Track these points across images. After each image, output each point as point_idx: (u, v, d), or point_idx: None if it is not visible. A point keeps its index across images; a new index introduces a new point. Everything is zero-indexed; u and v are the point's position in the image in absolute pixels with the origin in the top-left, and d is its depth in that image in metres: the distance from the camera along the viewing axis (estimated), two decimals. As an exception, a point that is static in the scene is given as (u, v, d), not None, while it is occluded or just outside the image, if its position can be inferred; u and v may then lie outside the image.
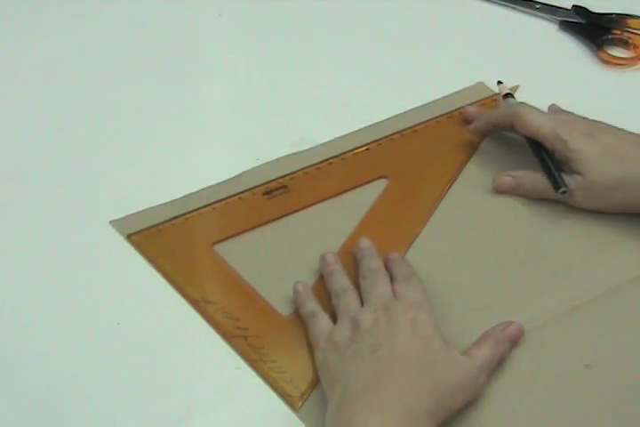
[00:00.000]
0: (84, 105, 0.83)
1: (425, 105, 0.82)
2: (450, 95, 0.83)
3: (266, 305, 0.67)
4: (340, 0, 0.94)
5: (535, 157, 0.74)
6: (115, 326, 0.66)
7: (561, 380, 0.62)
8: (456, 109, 0.81)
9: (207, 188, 0.75)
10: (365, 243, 0.69)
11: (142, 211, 0.73)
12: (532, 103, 0.75)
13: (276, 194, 0.75)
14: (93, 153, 0.79)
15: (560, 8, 0.92)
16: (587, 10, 0.91)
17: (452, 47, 0.89)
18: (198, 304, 0.67)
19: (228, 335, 0.66)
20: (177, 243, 0.71)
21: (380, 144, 0.79)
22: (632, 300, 0.67)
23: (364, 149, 0.78)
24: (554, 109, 0.77)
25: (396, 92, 0.84)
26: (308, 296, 0.66)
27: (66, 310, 0.67)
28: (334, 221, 0.73)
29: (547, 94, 0.79)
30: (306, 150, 0.78)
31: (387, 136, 0.79)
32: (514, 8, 0.93)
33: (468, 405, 0.60)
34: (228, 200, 0.74)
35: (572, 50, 0.89)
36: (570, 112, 0.76)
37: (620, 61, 0.87)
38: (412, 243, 0.71)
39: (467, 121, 0.80)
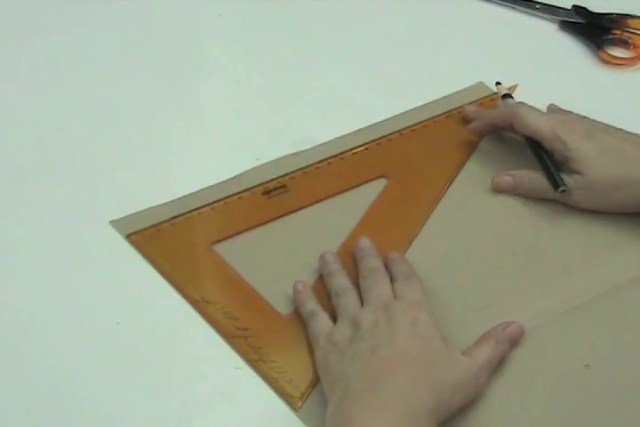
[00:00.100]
0: (84, 105, 0.83)
1: (424, 105, 0.82)
2: (449, 95, 0.83)
3: (266, 305, 0.67)
4: (340, 0, 0.94)
5: (534, 156, 0.74)
6: (114, 326, 0.66)
7: (561, 380, 0.62)
8: (455, 109, 0.81)
9: (207, 188, 0.75)
10: (365, 242, 0.69)
11: (142, 211, 0.73)
12: (531, 103, 0.75)
13: (275, 194, 0.75)
14: (93, 153, 0.79)
15: (560, 8, 0.92)
16: (587, 10, 0.91)
17: (452, 47, 0.89)
18: (198, 304, 0.67)
19: (227, 335, 0.66)
20: (177, 243, 0.71)
21: (379, 144, 0.79)
22: (632, 300, 0.67)
23: (363, 148, 0.79)
24: (553, 109, 0.77)
25: (396, 92, 0.84)
26: (307, 296, 0.66)
27: (66, 309, 0.68)
28: (333, 221, 0.73)
29: (546, 94, 0.79)
30: (305, 150, 0.78)
31: (386, 136, 0.79)
32: (514, 8, 0.93)
33: (469, 404, 0.60)
34: (227, 200, 0.74)
35: (571, 50, 0.89)
36: (569, 112, 0.76)
37: (619, 61, 0.87)
38: (411, 242, 0.71)
39: (466, 120, 0.80)
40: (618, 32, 0.89)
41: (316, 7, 0.93)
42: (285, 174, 0.76)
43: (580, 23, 0.90)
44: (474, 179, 0.76)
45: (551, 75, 0.85)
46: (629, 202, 0.70)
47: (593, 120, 0.73)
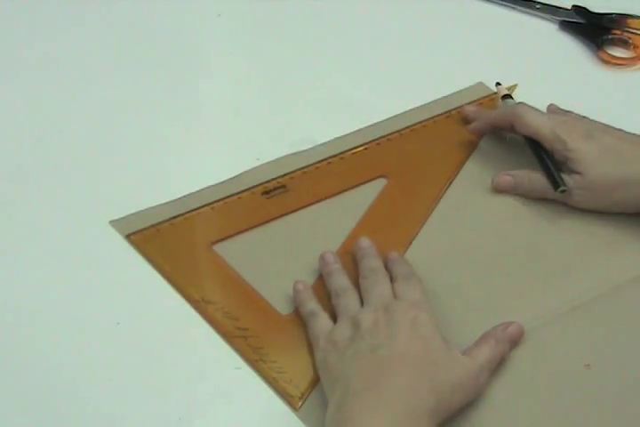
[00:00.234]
0: (84, 105, 0.83)
1: (424, 105, 0.82)
2: (449, 95, 0.83)
3: (265, 305, 0.67)
4: (340, 0, 0.94)
5: (534, 156, 0.74)
6: (114, 326, 0.66)
7: (561, 380, 0.62)
8: (455, 109, 0.81)
9: (207, 188, 0.75)
10: (365, 242, 0.69)
11: (142, 211, 0.73)
12: (531, 103, 0.75)
13: (274, 194, 0.75)
14: (93, 153, 0.79)
15: (560, 8, 0.92)
16: (587, 10, 0.91)
17: (452, 47, 0.89)
18: (198, 304, 0.67)
19: (227, 335, 0.66)
20: (176, 243, 0.71)
21: (378, 144, 0.79)
22: (632, 300, 0.67)
23: (362, 148, 0.79)
24: (552, 109, 0.77)
25: (396, 92, 0.84)
26: (308, 295, 0.66)
27: (66, 309, 0.67)
28: (333, 221, 0.73)
29: (547, 94, 0.79)
30: (305, 150, 0.78)
31: (385, 136, 0.79)
32: (514, 8, 0.93)
33: (469, 404, 0.60)
34: (227, 200, 0.74)
35: (571, 50, 0.89)
36: (569, 111, 0.76)
37: (619, 61, 0.87)
38: (411, 242, 0.71)
39: (465, 120, 0.80)
40: (618, 32, 0.89)
41: (316, 7, 0.93)
42: (285, 174, 0.76)
43: (580, 23, 0.90)
44: (474, 179, 0.76)
45: (551, 75, 0.85)
46: (629, 202, 0.70)
47: (593, 120, 0.73)
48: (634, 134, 0.72)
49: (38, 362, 0.65)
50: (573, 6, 0.91)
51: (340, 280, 0.67)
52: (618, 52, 0.88)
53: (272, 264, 0.70)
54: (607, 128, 0.72)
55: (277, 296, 0.68)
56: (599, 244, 0.71)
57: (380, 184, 0.76)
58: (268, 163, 0.77)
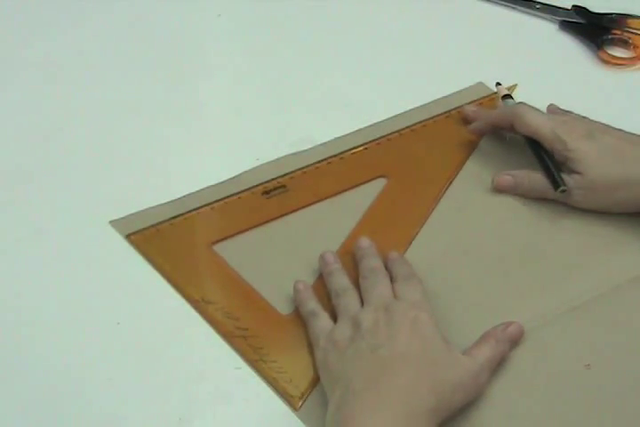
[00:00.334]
0: (84, 105, 0.83)
1: (424, 105, 0.82)
2: (449, 95, 0.83)
3: (266, 304, 0.67)
4: (340, 0, 0.94)
5: (534, 156, 0.74)
6: (115, 326, 0.66)
7: (561, 380, 0.62)
8: (454, 109, 0.81)
9: (207, 188, 0.75)
10: (365, 242, 0.69)
11: (142, 211, 0.73)
12: (532, 103, 0.75)
13: (274, 193, 0.75)
14: (93, 153, 0.79)
15: (560, 8, 0.92)
16: (587, 10, 0.91)
17: (452, 47, 0.89)
18: (198, 304, 0.67)
19: (228, 335, 0.66)
20: (176, 243, 0.71)
21: (378, 144, 0.79)
22: (632, 300, 0.67)
23: (362, 148, 0.79)
24: (552, 109, 0.77)
25: (396, 92, 0.84)
26: (308, 295, 0.66)
27: (66, 309, 0.68)
28: (333, 221, 0.73)
29: (547, 94, 0.79)
30: (305, 150, 0.78)
31: (385, 136, 0.79)
32: (514, 8, 0.93)
33: (469, 404, 0.60)
34: (226, 200, 0.74)
35: (571, 50, 0.89)
36: (569, 111, 0.76)
37: (619, 61, 0.87)
38: (411, 242, 0.71)
39: (465, 120, 0.80)
40: (618, 32, 0.89)
41: (316, 7, 0.93)
42: (285, 174, 0.76)
43: (580, 23, 0.90)
44: (474, 179, 0.76)
45: (551, 75, 0.85)
46: (629, 202, 0.70)
47: (592, 120, 0.73)
48: (634, 134, 0.72)
49: (38, 362, 0.65)
50: (573, 6, 0.91)
51: (341, 280, 0.67)
52: (618, 52, 0.88)
53: (272, 264, 0.70)
54: (607, 128, 0.72)
55: (277, 296, 0.68)
56: (599, 244, 0.71)
57: (379, 184, 0.76)
58: (267, 163, 0.77)
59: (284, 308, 0.67)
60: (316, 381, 0.63)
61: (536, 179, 0.72)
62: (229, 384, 0.64)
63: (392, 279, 0.66)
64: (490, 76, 0.83)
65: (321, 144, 0.79)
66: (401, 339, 0.60)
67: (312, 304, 0.65)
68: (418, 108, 0.82)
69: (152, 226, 0.72)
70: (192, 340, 0.66)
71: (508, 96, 0.80)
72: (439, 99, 0.83)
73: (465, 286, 0.68)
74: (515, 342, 0.63)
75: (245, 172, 0.76)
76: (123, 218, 0.73)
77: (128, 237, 0.72)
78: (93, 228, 0.73)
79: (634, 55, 0.87)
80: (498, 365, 0.62)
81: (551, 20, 0.92)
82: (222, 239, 0.72)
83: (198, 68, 0.87)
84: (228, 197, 0.75)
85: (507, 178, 0.74)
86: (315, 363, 0.63)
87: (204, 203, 0.74)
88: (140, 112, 0.82)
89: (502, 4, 0.93)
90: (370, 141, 0.79)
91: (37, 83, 0.86)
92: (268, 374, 0.64)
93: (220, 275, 0.70)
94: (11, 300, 0.68)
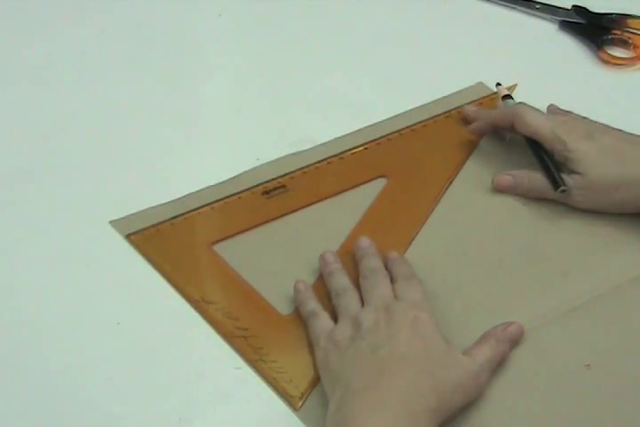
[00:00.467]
0: (84, 105, 0.83)
1: (424, 105, 0.82)
2: (449, 95, 0.83)
3: (266, 304, 0.67)
4: (340, 0, 0.94)
5: (534, 156, 0.74)
6: (115, 326, 0.66)
7: (561, 380, 0.62)
8: (454, 109, 0.81)
9: (207, 188, 0.75)
10: (365, 241, 0.69)
11: (142, 211, 0.73)
12: (531, 103, 0.75)
13: (274, 193, 0.75)
14: (94, 153, 0.79)
15: (560, 8, 0.92)
16: (587, 10, 0.91)
17: (452, 47, 0.89)
18: (198, 304, 0.67)
19: (228, 335, 0.66)
20: (176, 243, 0.71)
21: (378, 144, 0.79)
22: (632, 300, 0.67)
23: (362, 148, 0.79)
24: (552, 110, 0.77)
25: (396, 93, 0.84)
26: (308, 295, 0.66)
27: (66, 309, 0.68)
28: (333, 221, 0.73)
29: (547, 94, 0.79)
30: (305, 150, 0.78)
31: (385, 136, 0.79)
32: (514, 8, 0.93)
33: (469, 404, 0.60)
34: (227, 200, 0.74)
35: (571, 50, 0.89)
36: (569, 111, 0.76)
37: (619, 61, 0.87)
38: (411, 242, 0.71)
39: (465, 120, 0.80)
40: (618, 32, 0.89)
41: (316, 7, 0.93)
42: (285, 174, 0.76)
43: (580, 23, 0.90)
44: (474, 179, 0.76)
45: (551, 75, 0.85)
46: (629, 202, 0.70)
47: (592, 120, 0.74)
48: (633, 134, 0.72)
49: (38, 362, 0.65)
50: (573, 6, 0.91)
51: (341, 280, 0.67)
52: (618, 52, 0.88)
53: (272, 264, 0.70)
54: (607, 128, 0.72)
55: (277, 296, 0.68)
56: (599, 244, 0.71)
57: (379, 184, 0.76)
58: (268, 163, 0.77)
59: (284, 308, 0.67)
60: (316, 381, 0.63)
61: (536, 179, 0.73)
62: (229, 384, 0.64)
63: (392, 279, 0.66)
64: (490, 76, 0.83)
65: (321, 144, 0.79)
66: (401, 339, 0.60)
67: (312, 304, 0.65)
68: (418, 108, 0.82)
69: (152, 226, 0.72)
70: (192, 340, 0.66)
71: (508, 96, 0.80)
72: (439, 99, 0.83)
73: (465, 286, 0.68)
74: (515, 342, 0.63)
75: (245, 172, 0.76)
76: (123, 218, 0.73)
77: (128, 237, 0.72)
78: (93, 228, 0.73)
79: (634, 55, 0.87)
80: (498, 365, 0.62)
81: (551, 20, 0.92)
82: (222, 239, 0.72)
83: (198, 68, 0.87)
84: (228, 197, 0.75)
85: (507, 178, 0.74)
86: (315, 363, 0.63)
87: (204, 203, 0.74)
88: (140, 112, 0.82)
89: (502, 4, 0.93)
90: (370, 141, 0.79)
91: (38, 83, 0.86)
92: (268, 374, 0.64)
93: (220, 275, 0.70)
94: (11, 300, 0.68)
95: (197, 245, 0.71)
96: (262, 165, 0.77)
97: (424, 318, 0.61)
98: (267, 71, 0.87)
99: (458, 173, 0.76)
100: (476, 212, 0.74)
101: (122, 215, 0.73)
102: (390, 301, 0.63)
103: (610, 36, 0.89)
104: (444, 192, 0.75)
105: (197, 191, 0.75)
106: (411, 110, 0.82)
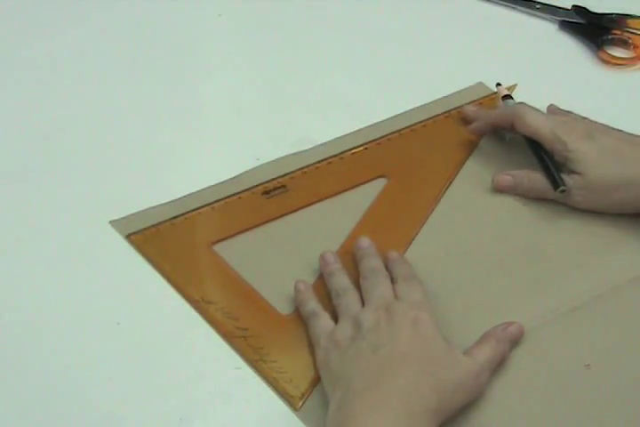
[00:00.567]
0: (84, 105, 0.83)
1: (424, 105, 0.82)
2: (449, 95, 0.83)
3: (266, 304, 0.67)
4: (340, 0, 0.94)
5: (534, 156, 0.74)
6: (115, 326, 0.66)
7: (561, 380, 0.62)
8: (454, 109, 0.81)
9: (207, 188, 0.75)
10: (365, 241, 0.69)
11: (142, 211, 0.73)
12: (531, 103, 0.75)
13: (274, 193, 0.75)
14: (94, 153, 0.79)
15: (560, 8, 0.92)
16: (587, 10, 0.91)
17: (452, 47, 0.89)
18: (198, 304, 0.67)
19: (228, 335, 0.66)
20: (176, 243, 0.71)
21: (378, 144, 0.79)
22: (632, 300, 0.67)
23: (362, 148, 0.79)
24: (552, 110, 0.77)
25: (396, 93, 0.84)
26: (309, 295, 0.66)
27: (66, 309, 0.67)
28: (333, 221, 0.73)
29: (547, 94, 0.79)
30: (305, 150, 0.78)
31: (385, 136, 0.79)
32: (514, 8, 0.93)
33: (469, 404, 0.60)
34: (227, 200, 0.74)
35: (571, 50, 0.89)
36: (569, 112, 0.76)
37: (619, 61, 0.87)
38: (411, 242, 0.71)
39: (465, 120, 0.80)
40: (618, 32, 0.89)
41: (316, 7, 0.93)
42: (285, 174, 0.76)
43: (579, 23, 0.90)
44: (474, 179, 0.76)
45: (551, 75, 0.85)
46: (629, 202, 0.70)
47: (592, 121, 0.74)
48: (633, 135, 0.72)
49: (38, 362, 0.65)
50: (573, 6, 0.91)
51: (341, 280, 0.67)
52: (618, 52, 0.88)
53: (272, 264, 0.70)
54: (607, 128, 0.72)
55: (277, 296, 0.68)
56: (599, 244, 0.71)
57: (379, 184, 0.76)
58: (268, 163, 0.77)
59: (284, 308, 0.67)
60: (316, 381, 0.63)
61: (536, 179, 0.73)
62: (229, 384, 0.64)
63: (392, 280, 0.66)
64: (490, 76, 0.83)
65: (321, 144, 0.79)
66: (402, 339, 0.60)
67: (313, 304, 0.65)
68: (418, 108, 0.82)
69: (152, 226, 0.72)
70: (192, 340, 0.66)
71: (508, 96, 0.80)
72: (439, 99, 0.83)
73: (465, 286, 0.68)
74: (515, 342, 0.64)
75: (245, 172, 0.76)
76: (123, 218, 0.73)
77: (128, 237, 0.72)
78: (93, 228, 0.73)
79: (634, 55, 0.87)
80: (498, 365, 0.62)
81: (551, 20, 0.92)
82: (222, 239, 0.72)
83: (198, 68, 0.87)
84: (228, 197, 0.75)
85: (506, 178, 0.74)
86: (315, 363, 0.63)
87: (204, 203, 0.74)
88: (140, 112, 0.82)
89: (502, 4, 0.93)
90: (370, 141, 0.79)
91: (38, 83, 0.86)
92: (268, 374, 0.64)
93: (220, 275, 0.70)
94: (11, 299, 0.68)
95: (197, 245, 0.71)
96: (262, 165, 0.77)
97: (424, 318, 0.61)
98: (266, 71, 0.87)
99: (458, 173, 0.76)
100: (476, 212, 0.74)
101: (122, 215, 0.73)
102: (391, 301, 0.63)
103: (610, 36, 0.89)
104: (444, 192, 0.75)
105: (197, 191, 0.75)
106: (410, 110, 0.82)
